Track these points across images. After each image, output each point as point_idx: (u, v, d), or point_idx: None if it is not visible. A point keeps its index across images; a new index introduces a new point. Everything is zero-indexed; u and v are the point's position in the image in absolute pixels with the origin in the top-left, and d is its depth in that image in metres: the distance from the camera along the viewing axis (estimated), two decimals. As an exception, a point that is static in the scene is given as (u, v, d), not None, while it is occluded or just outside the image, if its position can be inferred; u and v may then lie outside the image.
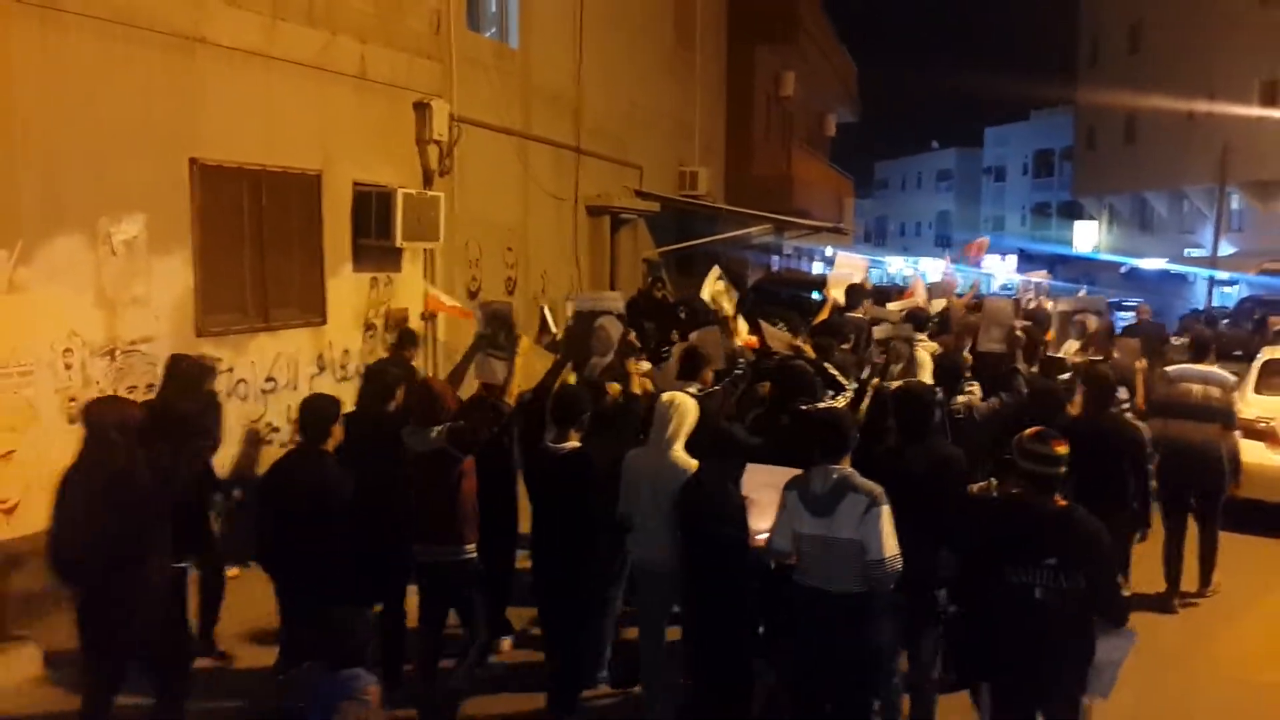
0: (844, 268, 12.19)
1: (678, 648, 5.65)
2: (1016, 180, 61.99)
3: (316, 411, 5.61)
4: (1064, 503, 4.55)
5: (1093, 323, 10.38)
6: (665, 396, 5.92)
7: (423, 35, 10.79)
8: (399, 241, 9.93)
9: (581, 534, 5.64)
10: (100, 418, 4.99)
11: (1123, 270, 36.83)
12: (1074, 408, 7.12)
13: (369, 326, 10.17)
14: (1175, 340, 12.91)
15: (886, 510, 4.71)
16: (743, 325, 9.29)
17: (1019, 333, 9.11)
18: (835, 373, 7.56)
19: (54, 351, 7.00)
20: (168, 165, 7.86)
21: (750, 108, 23.30)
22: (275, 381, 8.96)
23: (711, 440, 5.47)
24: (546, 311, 8.69)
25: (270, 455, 8.82)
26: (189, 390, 6.71)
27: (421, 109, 10.65)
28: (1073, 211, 47.73)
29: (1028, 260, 45.00)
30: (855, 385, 7.39)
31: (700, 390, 6.88)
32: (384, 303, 10.38)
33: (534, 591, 5.93)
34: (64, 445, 6.98)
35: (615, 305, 8.56)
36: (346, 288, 9.83)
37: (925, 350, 8.46)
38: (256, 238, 8.76)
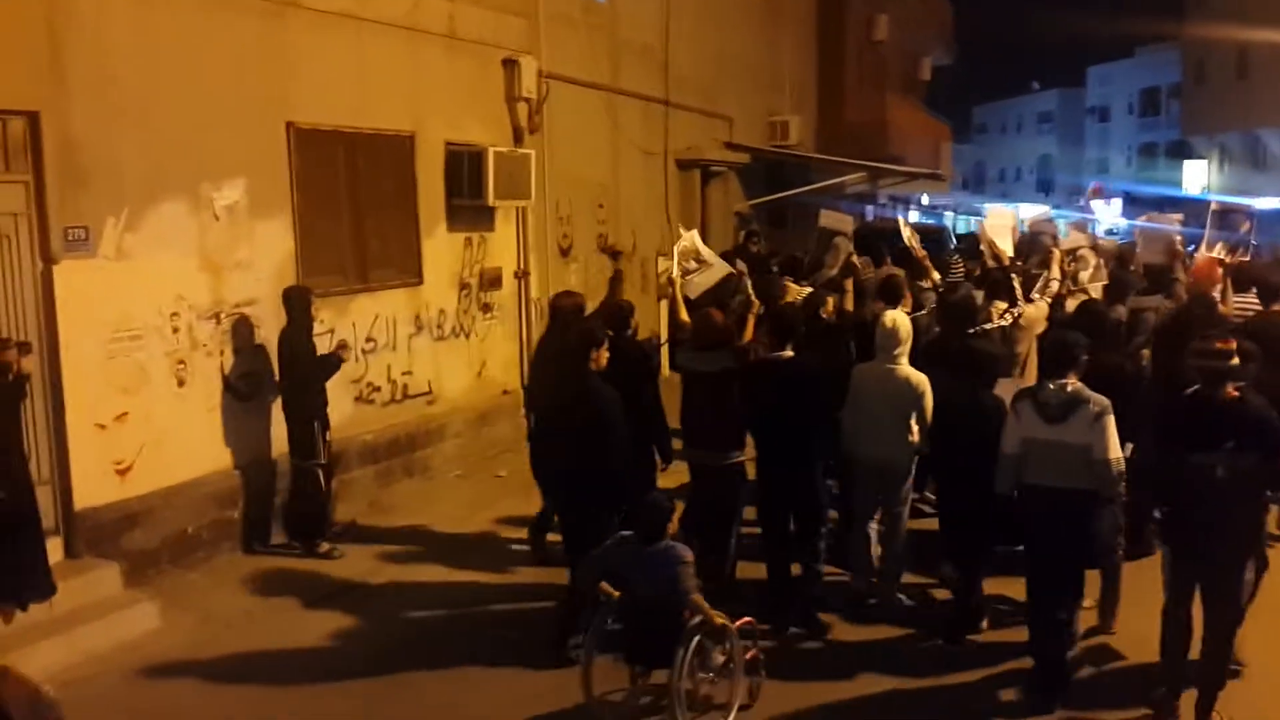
0: (996, 219, 12.22)
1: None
2: (1121, 120, 59.80)
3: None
4: (1235, 393, 5.17)
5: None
6: (887, 317, 6.82)
7: (510, -9, 10.75)
8: (491, 200, 9.96)
9: (798, 433, 6.43)
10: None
11: (1213, 208, 35.33)
12: (1225, 307, 8.33)
13: (464, 286, 10.25)
14: None
15: (1111, 419, 5.43)
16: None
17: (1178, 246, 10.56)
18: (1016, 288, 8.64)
19: (161, 316, 7.20)
20: (265, 130, 7.99)
21: (842, 54, 22.79)
22: (375, 342, 9.10)
23: (967, 355, 6.49)
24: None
25: (371, 414, 9.01)
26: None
27: (510, 66, 10.62)
28: (1181, 151, 45.91)
29: (1134, 203, 43.50)
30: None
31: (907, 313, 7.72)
32: (478, 262, 10.45)
33: (756, 491, 6.77)
34: (173, 407, 7.26)
35: (848, 227, 10.61)
36: (441, 247, 9.92)
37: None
38: (353, 200, 8.87)
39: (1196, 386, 5.29)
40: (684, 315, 7.95)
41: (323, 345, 8.13)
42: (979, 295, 8.75)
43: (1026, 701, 5.68)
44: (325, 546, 7.80)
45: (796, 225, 20.34)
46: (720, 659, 5.24)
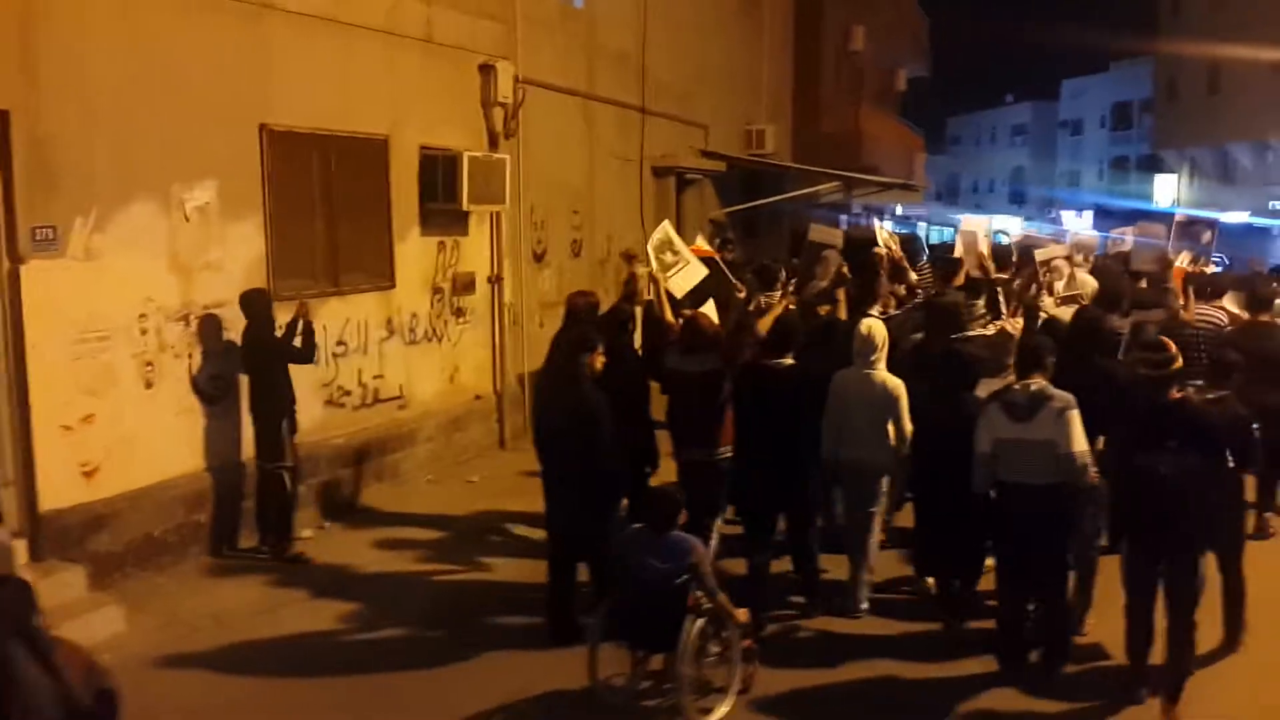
0: (970, 228, 12.25)
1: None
2: (1094, 134, 60.33)
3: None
4: (1178, 394, 5.51)
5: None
6: (863, 325, 7.07)
7: (487, -4, 10.74)
8: (465, 205, 9.95)
9: (795, 438, 6.67)
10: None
11: (1177, 219, 35.72)
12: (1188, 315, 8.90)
13: (437, 290, 10.23)
14: None
15: (1076, 414, 5.70)
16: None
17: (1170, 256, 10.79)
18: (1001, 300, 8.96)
19: (130, 317, 7.15)
20: (239, 132, 7.94)
21: (818, 64, 22.93)
22: (345, 345, 9.06)
23: (946, 358, 6.81)
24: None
25: (341, 417, 8.97)
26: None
27: (486, 71, 10.60)
28: (1152, 165, 46.36)
29: (1105, 216, 43.87)
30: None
31: (881, 314, 8.23)
32: (451, 266, 10.42)
33: (739, 491, 7.01)
34: (141, 409, 7.20)
35: (838, 241, 10.76)
36: (414, 251, 9.89)
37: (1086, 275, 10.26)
38: (326, 203, 8.83)
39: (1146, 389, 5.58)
40: (669, 315, 8.10)
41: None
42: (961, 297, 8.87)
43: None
44: (293, 550, 7.76)
45: (769, 233, 20.44)
46: (719, 646, 5.53)
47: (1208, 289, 9.45)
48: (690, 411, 7.11)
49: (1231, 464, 5.81)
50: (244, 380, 7.83)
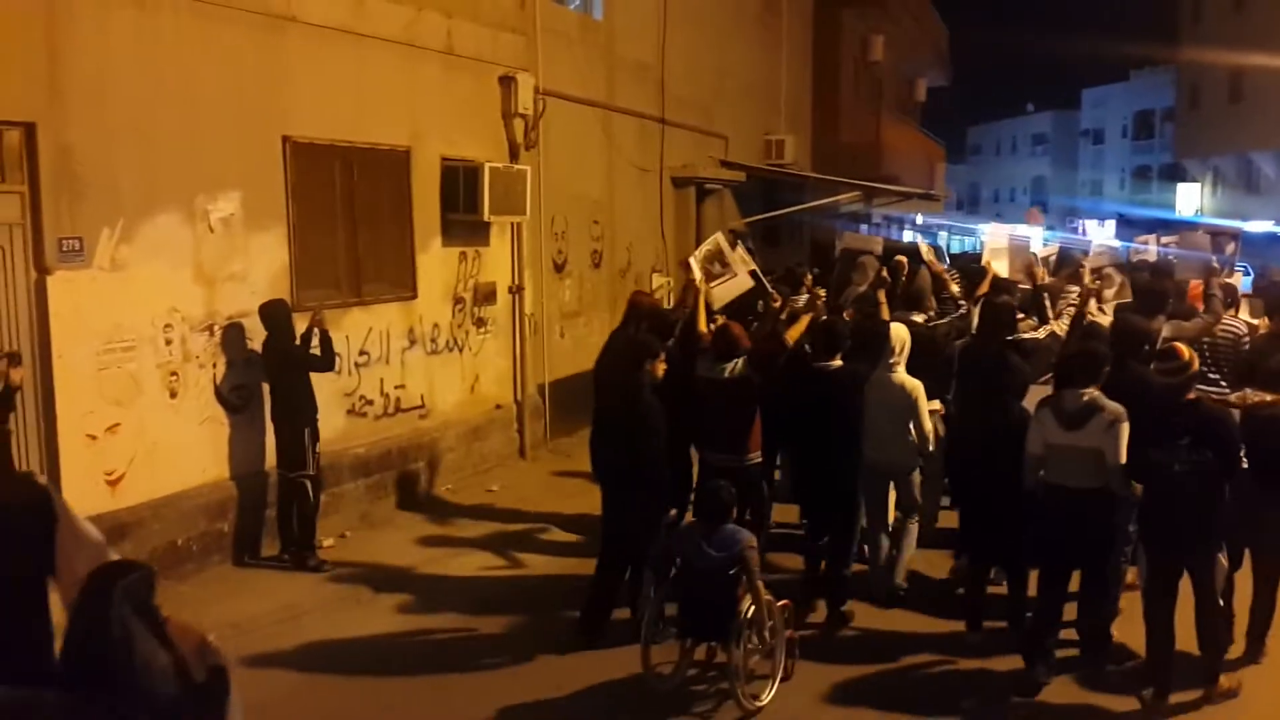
0: (996, 239, 12.46)
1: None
2: (1115, 143, 60.13)
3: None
4: (1193, 396, 5.72)
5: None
6: (891, 328, 7.34)
7: (507, 9, 10.80)
8: (486, 216, 9.99)
9: (846, 439, 6.90)
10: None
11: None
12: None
13: (458, 300, 10.27)
14: None
15: (1125, 426, 5.79)
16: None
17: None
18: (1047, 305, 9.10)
19: (155, 327, 7.21)
20: (261, 143, 8.02)
21: (837, 73, 22.93)
22: (368, 355, 9.11)
23: (999, 364, 6.84)
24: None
25: (363, 427, 9.02)
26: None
27: (507, 83, 10.66)
28: (1175, 174, 46.14)
29: (1128, 225, 43.67)
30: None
31: (927, 320, 8.47)
32: (473, 276, 10.47)
33: (796, 491, 7.38)
34: (165, 419, 7.26)
35: (876, 248, 10.93)
36: (436, 262, 9.94)
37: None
38: (348, 214, 8.89)
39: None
40: (702, 325, 8.21)
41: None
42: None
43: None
44: (315, 559, 7.79)
45: (790, 243, 20.43)
46: (765, 636, 5.78)
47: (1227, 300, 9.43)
48: (720, 418, 7.26)
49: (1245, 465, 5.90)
50: (266, 389, 7.89)
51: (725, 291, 9.04)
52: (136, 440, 7.07)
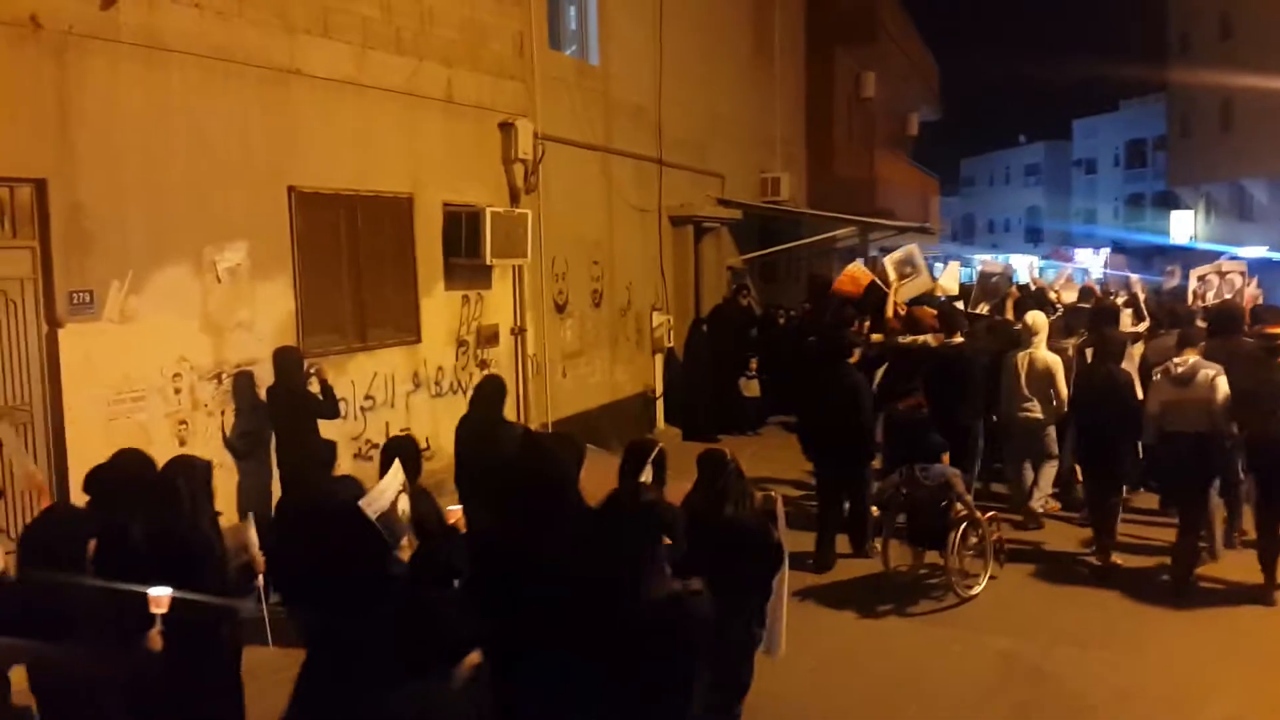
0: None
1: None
2: (1108, 172, 60.46)
3: None
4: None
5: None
6: (1028, 316, 9.91)
7: (506, 57, 10.98)
8: (488, 259, 10.11)
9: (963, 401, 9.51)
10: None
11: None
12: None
13: (461, 343, 10.37)
14: None
15: (1224, 379, 7.88)
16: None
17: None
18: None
19: (164, 377, 7.30)
20: (267, 194, 8.14)
21: (831, 111, 23.16)
22: (373, 399, 9.19)
23: (1101, 342, 9.16)
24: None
25: (368, 472, 9.05)
26: None
27: (507, 129, 10.83)
28: (1168, 202, 46.40)
29: (1122, 253, 43.88)
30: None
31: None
32: (475, 319, 10.58)
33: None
34: (177, 468, 7.28)
35: (1006, 271, 14.34)
36: (439, 306, 10.05)
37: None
38: (353, 261, 9.01)
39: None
40: (890, 313, 11.25)
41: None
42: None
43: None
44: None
45: (787, 278, 20.56)
46: (975, 540, 7.92)
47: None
48: (906, 379, 9.88)
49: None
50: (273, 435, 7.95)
51: (909, 290, 11.98)
52: (147, 489, 7.12)
